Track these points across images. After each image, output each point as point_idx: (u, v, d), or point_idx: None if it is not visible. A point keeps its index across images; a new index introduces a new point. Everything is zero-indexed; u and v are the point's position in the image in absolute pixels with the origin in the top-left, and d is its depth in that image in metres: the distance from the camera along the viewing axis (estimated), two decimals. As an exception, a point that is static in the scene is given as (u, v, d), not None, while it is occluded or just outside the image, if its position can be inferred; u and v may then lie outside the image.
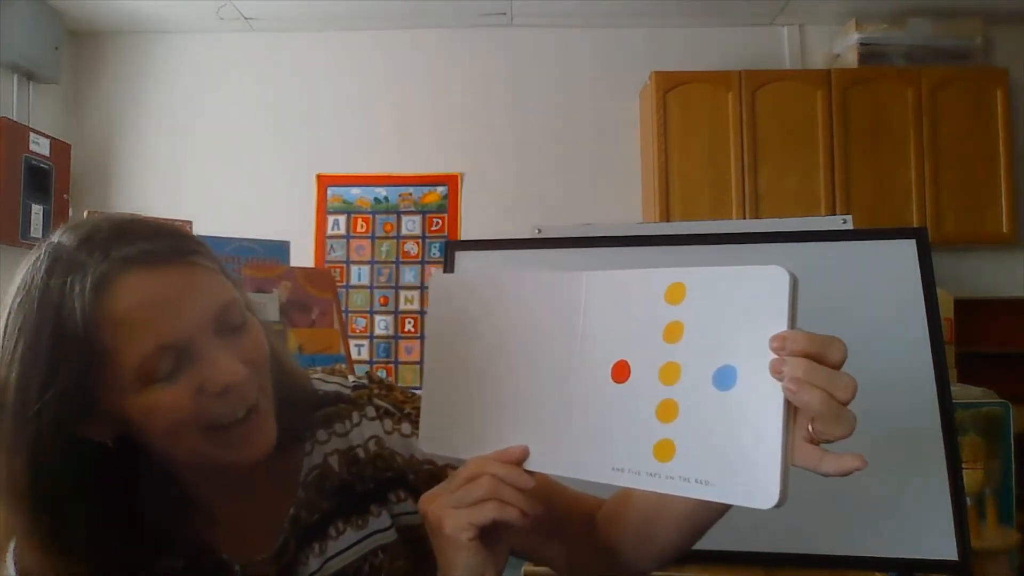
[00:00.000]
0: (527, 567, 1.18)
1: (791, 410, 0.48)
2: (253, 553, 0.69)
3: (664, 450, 0.52)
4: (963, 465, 1.11)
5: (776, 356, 0.48)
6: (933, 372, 1.08)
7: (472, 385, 0.65)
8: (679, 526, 0.69)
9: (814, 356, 0.47)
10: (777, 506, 0.47)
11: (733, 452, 0.49)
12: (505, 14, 3.59)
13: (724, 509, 0.64)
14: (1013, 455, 1.45)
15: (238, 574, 0.68)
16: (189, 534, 0.67)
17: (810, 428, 0.48)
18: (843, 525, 1.08)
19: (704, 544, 1.10)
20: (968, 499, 1.28)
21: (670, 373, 0.54)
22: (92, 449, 0.60)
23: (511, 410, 0.62)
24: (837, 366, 0.48)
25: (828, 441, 0.48)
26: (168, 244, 0.61)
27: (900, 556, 1.06)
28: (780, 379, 0.48)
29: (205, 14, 3.53)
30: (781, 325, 0.49)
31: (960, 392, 1.55)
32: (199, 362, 0.59)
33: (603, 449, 0.56)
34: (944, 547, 1.04)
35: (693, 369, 0.53)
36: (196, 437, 0.60)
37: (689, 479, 0.51)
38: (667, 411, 0.53)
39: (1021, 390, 2.24)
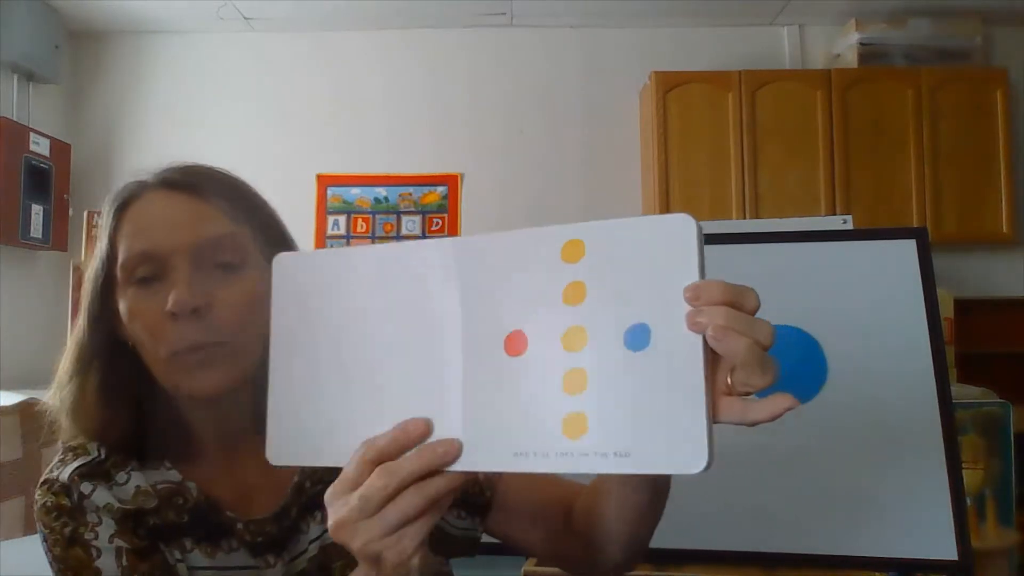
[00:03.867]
0: (527, 567, 1.18)
1: (708, 365, 0.45)
2: (256, 514, 0.71)
3: (574, 425, 0.47)
4: (963, 465, 1.11)
5: (691, 308, 0.46)
6: (933, 372, 1.08)
7: (331, 380, 0.55)
8: (632, 503, 0.67)
9: (731, 305, 0.45)
10: (706, 469, 0.44)
11: (653, 417, 0.45)
12: (505, 14, 3.59)
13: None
14: (1013, 455, 1.45)
15: (240, 531, 0.70)
16: (197, 489, 0.70)
17: (729, 380, 0.46)
18: (843, 525, 1.08)
19: (704, 544, 1.09)
20: (968, 499, 1.28)
21: (574, 339, 0.48)
22: (124, 350, 0.69)
23: (383, 403, 0.53)
24: (753, 314, 0.46)
25: (749, 393, 0.46)
26: (192, 179, 0.70)
27: (900, 556, 1.06)
28: (698, 331, 0.45)
29: (205, 14, 3.53)
30: (692, 276, 0.46)
31: (960, 392, 1.55)
32: (171, 281, 0.65)
33: (500, 433, 0.49)
34: (944, 547, 1.04)
35: (601, 332, 0.48)
36: (159, 356, 0.66)
37: (607, 454, 0.46)
38: (575, 381, 0.48)
39: (1021, 390, 2.24)
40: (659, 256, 0.47)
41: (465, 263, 0.53)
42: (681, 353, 0.45)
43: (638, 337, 0.47)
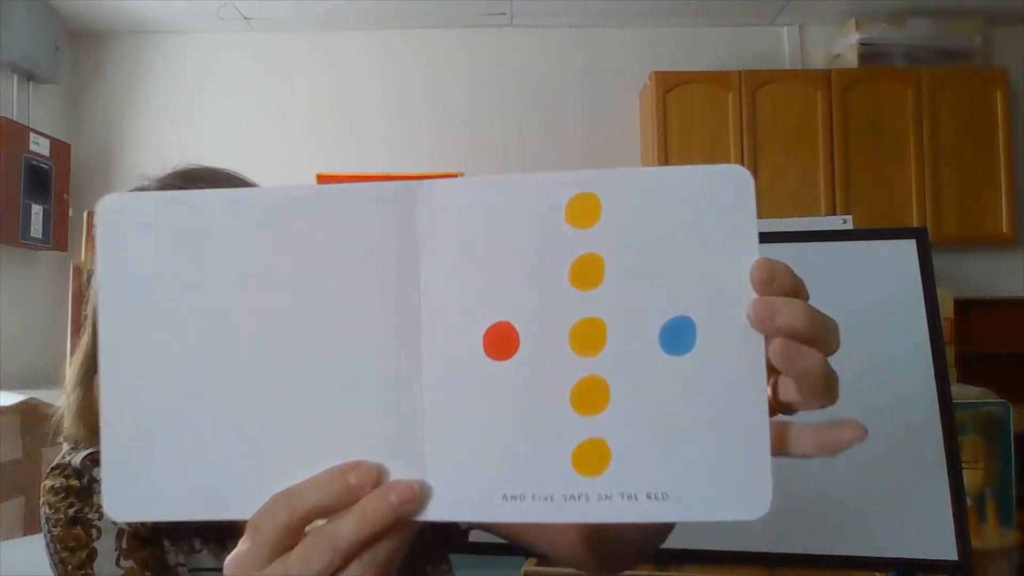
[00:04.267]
0: (527, 567, 1.18)
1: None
2: None
3: (591, 456, 0.35)
4: (963, 465, 1.11)
5: (756, 297, 0.34)
6: (933, 372, 1.08)
7: (209, 393, 0.36)
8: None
9: (800, 297, 0.35)
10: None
11: (700, 445, 0.34)
12: (505, 14, 3.59)
13: None
14: (1013, 455, 1.45)
15: None
16: None
17: (769, 390, 0.35)
18: (843, 525, 1.08)
19: (704, 544, 1.09)
20: (968, 499, 1.29)
21: (588, 336, 0.35)
22: None
23: (300, 427, 0.36)
24: None
25: (791, 411, 0.36)
26: (192, 186, 0.71)
27: (900, 556, 1.06)
28: (769, 332, 0.34)
29: (205, 14, 3.53)
30: (751, 252, 0.34)
31: (960, 392, 1.55)
32: None
33: (482, 469, 0.35)
34: (944, 547, 1.04)
35: (626, 327, 0.35)
36: None
37: (636, 495, 0.34)
38: (590, 396, 0.35)
39: (1021, 390, 2.24)
40: (705, 222, 0.35)
41: (427, 222, 0.36)
42: (739, 359, 0.34)
43: (679, 335, 0.35)
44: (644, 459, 0.34)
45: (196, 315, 0.37)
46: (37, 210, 3.24)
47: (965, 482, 1.09)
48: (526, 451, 0.35)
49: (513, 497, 0.35)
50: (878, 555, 1.07)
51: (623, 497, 0.34)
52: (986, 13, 3.47)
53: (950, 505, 1.04)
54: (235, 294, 0.37)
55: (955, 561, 1.03)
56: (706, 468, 0.34)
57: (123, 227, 0.37)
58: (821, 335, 0.35)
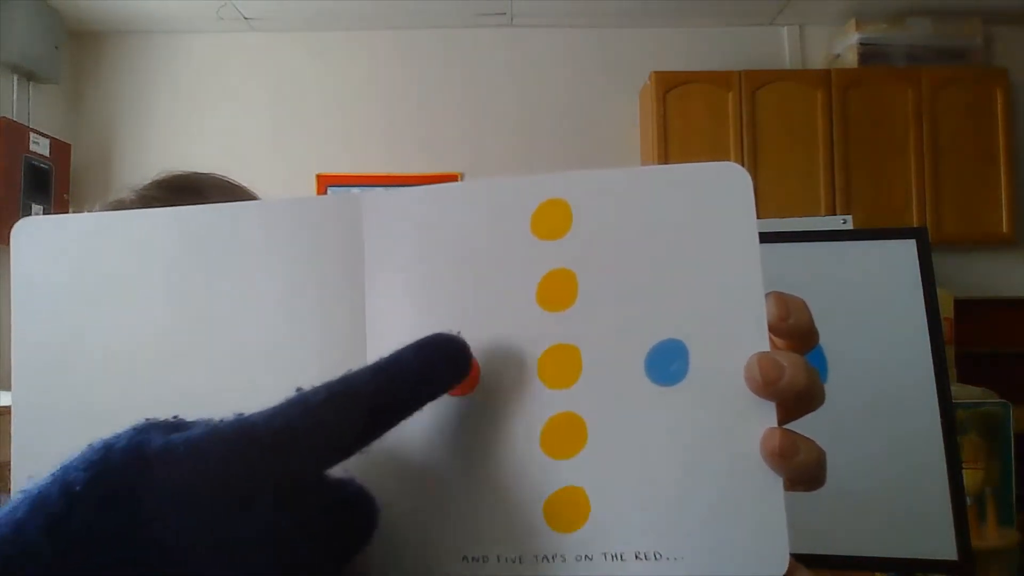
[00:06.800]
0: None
1: None
2: None
3: (567, 508, 0.29)
4: (963, 465, 1.11)
5: (755, 327, 0.29)
6: (933, 372, 1.08)
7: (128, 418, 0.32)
8: None
9: (813, 339, 0.31)
10: None
11: (698, 493, 0.29)
12: (505, 14, 3.59)
13: None
14: (1013, 455, 1.45)
15: None
16: None
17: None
18: (843, 525, 1.08)
19: (704, 544, 1.09)
20: (968, 499, 1.29)
21: (561, 365, 0.30)
22: None
23: None
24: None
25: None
26: (172, 196, 0.64)
27: (900, 556, 1.06)
28: (764, 395, 0.28)
29: (205, 14, 3.53)
30: (752, 265, 0.29)
31: (960, 392, 1.55)
32: None
33: (437, 524, 0.30)
34: (944, 547, 1.04)
35: (605, 353, 0.30)
36: None
37: (622, 555, 0.29)
38: (564, 435, 0.30)
39: (1021, 390, 2.24)
40: (696, 228, 0.30)
41: (374, 238, 0.32)
42: (741, 387, 0.29)
43: (669, 361, 0.30)
44: (630, 511, 0.29)
45: (118, 346, 0.32)
46: (37, 210, 3.24)
47: (965, 482, 1.09)
48: (488, 502, 0.30)
49: (475, 559, 0.29)
50: (877, 555, 1.07)
51: (606, 557, 0.29)
52: (986, 13, 3.47)
53: (950, 505, 1.04)
54: (162, 322, 0.32)
55: (955, 561, 1.03)
56: (705, 521, 0.29)
57: (40, 251, 0.33)
58: (815, 398, 0.29)
